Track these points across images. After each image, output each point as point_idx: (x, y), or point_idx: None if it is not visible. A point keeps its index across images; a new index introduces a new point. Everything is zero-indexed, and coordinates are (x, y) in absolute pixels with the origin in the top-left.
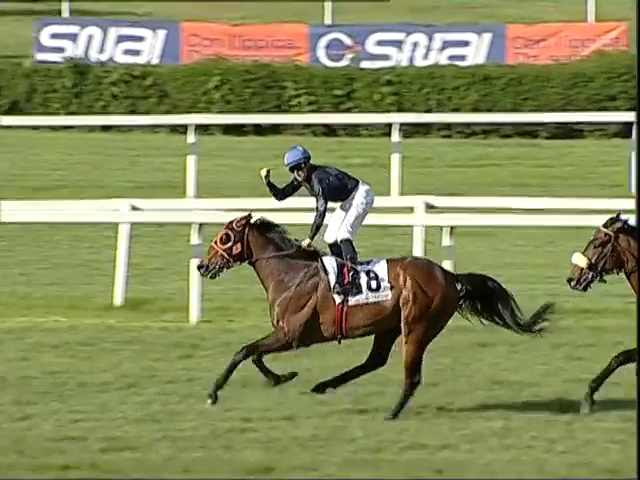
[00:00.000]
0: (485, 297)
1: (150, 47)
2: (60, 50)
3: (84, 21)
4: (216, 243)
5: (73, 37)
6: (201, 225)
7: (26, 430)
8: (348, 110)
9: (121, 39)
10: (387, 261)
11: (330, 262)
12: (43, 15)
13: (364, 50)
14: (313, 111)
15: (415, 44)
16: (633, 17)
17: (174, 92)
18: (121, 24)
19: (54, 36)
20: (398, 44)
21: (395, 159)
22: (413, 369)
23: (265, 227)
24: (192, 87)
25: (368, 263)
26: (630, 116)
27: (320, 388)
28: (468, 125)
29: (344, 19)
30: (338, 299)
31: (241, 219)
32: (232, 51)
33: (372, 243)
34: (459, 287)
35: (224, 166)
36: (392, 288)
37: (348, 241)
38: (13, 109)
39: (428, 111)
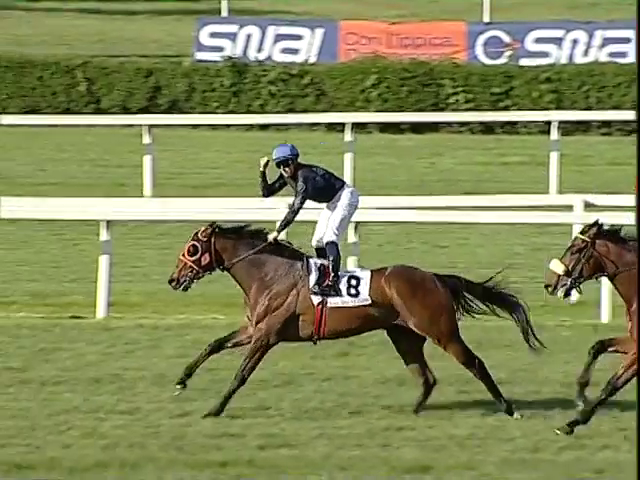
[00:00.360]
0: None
1: (308, 46)
2: (219, 49)
3: (243, 20)
4: (184, 255)
5: (232, 36)
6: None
7: (185, 427)
8: (506, 108)
9: (279, 38)
10: (371, 271)
11: (314, 263)
12: (203, 14)
13: (523, 48)
14: (470, 109)
15: (575, 41)
16: None
17: (331, 90)
18: (279, 23)
19: (213, 35)
20: (557, 41)
21: (553, 157)
22: (467, 361)
23: (231, 231)
24: (349, 85)
25: (350, 270)
26: None
27: None
28: (628, 123)
29: (503, 17)
30: (316, 300)
31: (206, 229)
32: (390, 49)
33: (530, 241)
34: (444, 288)
35: (381, 164)
36: (374, 297)
37: (333, 244)
38: (172, 108)
39: (588, 109)
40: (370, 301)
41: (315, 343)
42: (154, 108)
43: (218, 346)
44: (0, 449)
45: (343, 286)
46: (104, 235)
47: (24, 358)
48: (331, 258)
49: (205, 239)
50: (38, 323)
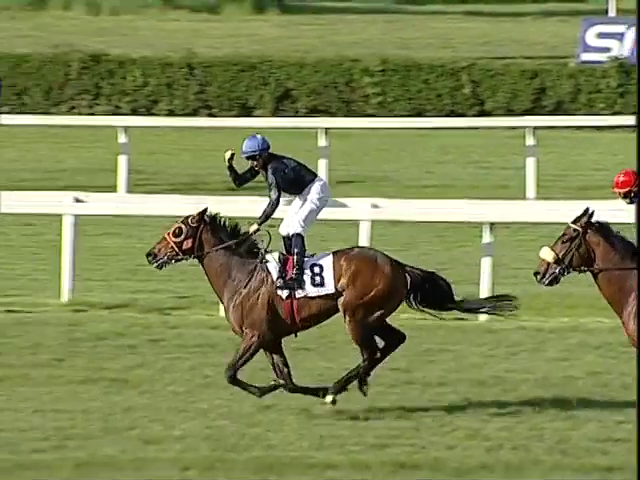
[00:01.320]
0: (429, 290)
1: None
2: (605, 50)
3: (631, 20)
4: (169, 234)
5: (619, 36)
6: None
7: (569, 430)
8: None
9: None
10: (333, 254)
11: (273, 258)
12: (589, 15)
13: None
14: None
15: None
16: None
17: None
18: None
19: (600, 36)
20: None
21: None
22: (363, 346)
23: (219, 225)
24: None
25: (312, 257)
26: None
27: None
28: None
29: None
30: (284, 294)
31: (197, 215)
32: None
33: None
34: (406, 278)
35: None
36: (337, 283)
37: (299, 236)
38: (557, 109)
39: None
40: (334, 290)
41: (296, 336)
42: (539, 110)
43: None
44: (386, 449)
45: (307, 277)
46: (487, 237)
47: (409, 359)
48: (296, 251)
49: (194, 225)
50: (423, 324)
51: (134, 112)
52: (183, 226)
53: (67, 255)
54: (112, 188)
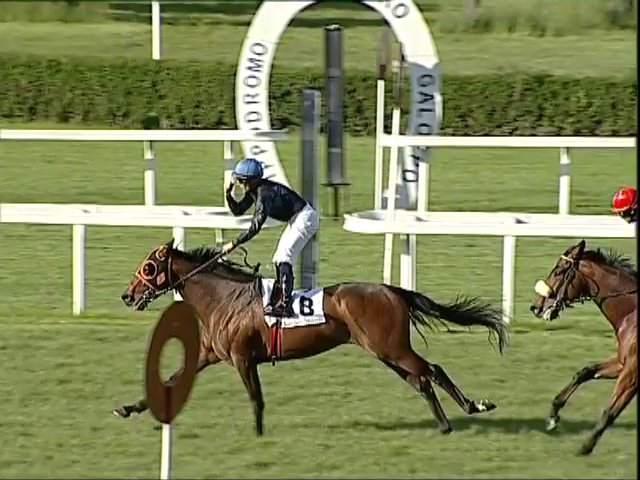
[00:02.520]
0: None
1: None
2: None
3: None
4: (140, 273)
5: None
6: None
7: None
8: None
9: None
10: (324, 289)
11: (267, 284)
12: None
13: None
14: None
15: None
16: None
17: None
18: None
19: None
20: None
21: None
22: (423, 371)
23: (186, 253)
24: None
25: (305, 291)
26: None
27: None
28: None
29: None
30: (271, 321)
31: (163, 248)
32: None
33: None
34: (396, 301)
35: None
36: (327, 315)
37: (286, 264)
38: None
39: None
40: (324, 320)
41: (273, 364)
42: None
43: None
44: None
45: (296, 306)
46: None
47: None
48: (284, 279)
49: (162, 259)
50: None
51: (577, 133)
52: (152, 262)
53: (507, 275)
54: (554, 209)
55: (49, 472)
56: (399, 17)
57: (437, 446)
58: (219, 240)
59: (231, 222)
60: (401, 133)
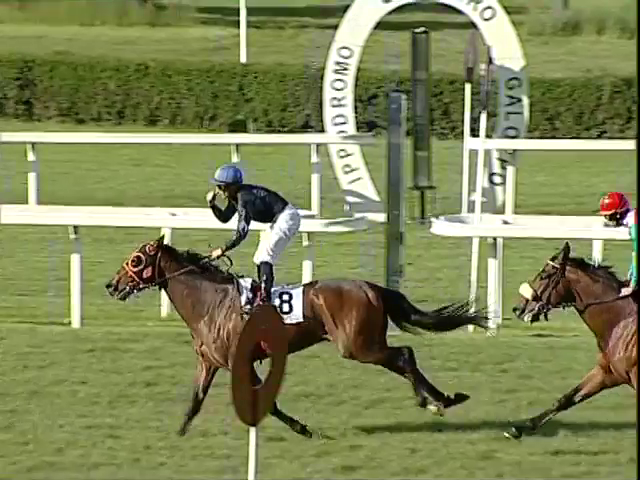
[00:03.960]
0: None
1: None
2: None
3: None
4: (127, 264)
5: None
6: None
7: None
8: None
9: None
10: (303, 286)
11: (245, 284)
12: None
13: None
14: None
15: None
16: None
17: None
18: None
19: None
20: None
21: None
22: (393, 360)
23: (177, 251)
24: None
25: (284, 287)
26: None
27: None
28: None
29: None
30: None
31: (154, 243)
32: None
33: None
34: (379, 296)
35: None
36: (306, 312)
37: (267, 264)
38: None
39: None
40: (303, 318)
41: (260, 363)
42: None
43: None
44: None
45: (276, 304)
46: None
47: None
48: (264, 278)
49: (152, 253)
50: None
51: None
52: (141, 255)
53: None
54: None
55: (137, 474)
56: (487, 20)
57: (524, 450)
58: (305, 243)
59: (317, 226)
60: (488, 136)
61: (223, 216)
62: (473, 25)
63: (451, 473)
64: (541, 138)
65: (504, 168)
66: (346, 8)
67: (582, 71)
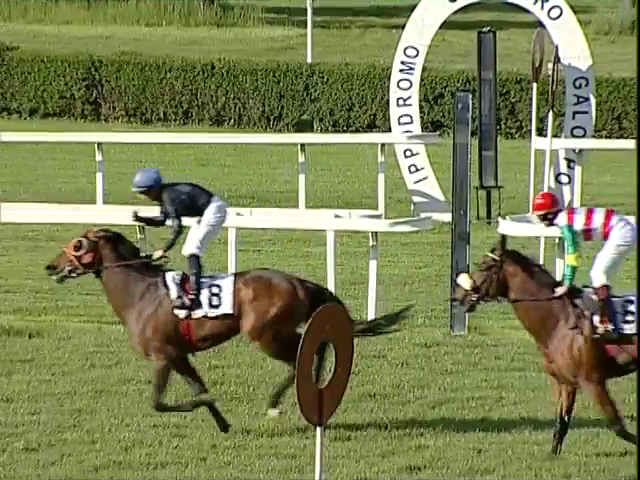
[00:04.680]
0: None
1: None
2: None
3: None
4: (68, 248)
5: None
6: None
7: None
8: None
9: None
10: (234, 275)
11: (172, 277)
12: None
13: None
14: None
15: None
16: None
17: None
18: None
19: None
20: None
21: None
22: (284, 359)
23: (119, 241)
24: None
25: (214, 278)
26: None
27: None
28: None
29: None
30: (181, 314)
31: (98, 231)
32: None
33: None
34: (304, 298)
35: None
36: (235, 302)
37: (194, 256)
38: None
39: None
40: (231, 309)
41: (193, 355)
42: None
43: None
44: None
45: (205, 298)
46: None
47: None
48: (193, 271)
49: (94, 239)
50: None
51: None
52: (84, 240)
53: None
54: None
55: (203, 473)
56: (553, 19)
57: (592, 451)
58: (371, 243)
59: (383, 225)
60: (555, 135)
61: (156, 221)
62: (540, 24)
63: (517, 473)
64: (608, 138)
65: (571, 168)
66: (412, 7)
67: None
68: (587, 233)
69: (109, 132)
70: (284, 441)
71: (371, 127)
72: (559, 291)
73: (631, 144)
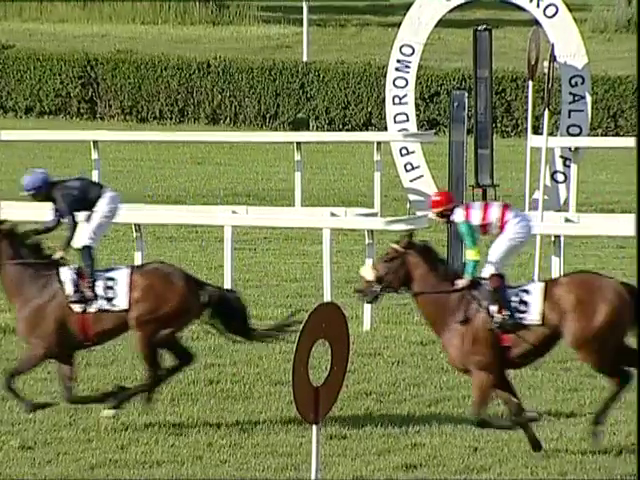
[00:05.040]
0: (223, 309)
1: None
2: None
3: None
4: None
5: None
6: None
7: None
8: None
9: None
10: (131, 268)
11: (67, 272)
12: None
13: None
14: None
15: None
16: None
17: None
18: None
19: None
20: None
21: None
22: (147, 361)
23: (19, 237)
24: None
25: (109, 270)
26: None
27: None
28: None
29: None
30: (77, 308)
31: (2, 228)
32: None
33: None
34: (202, 296)
35: None
36: (131, 295)
37: (87, 248)
38: None
39: None
40: (127, 303)
41: (88, 348)
42: None
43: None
44: None
45: (100, 289)
46: None
47: None
48: (86, 262)
49: None
50: None
51: None
52: None
53: None
54: None
55: (199, 471)
56: (549, 17)
57: (587, 449)
58: (367, 241)
59: (379, 224)
60: (550, 134)
61: (52, 224)
62: (536, 22)
63: (513, 471)
64: (604, 136)
65: (567, 166)
66: (408, 6)
67: None
68: (484, 227)
69: (105, 130)
70: (280, 439)
71: (367, 125)
72: (460, 283)
73: (627, 142)
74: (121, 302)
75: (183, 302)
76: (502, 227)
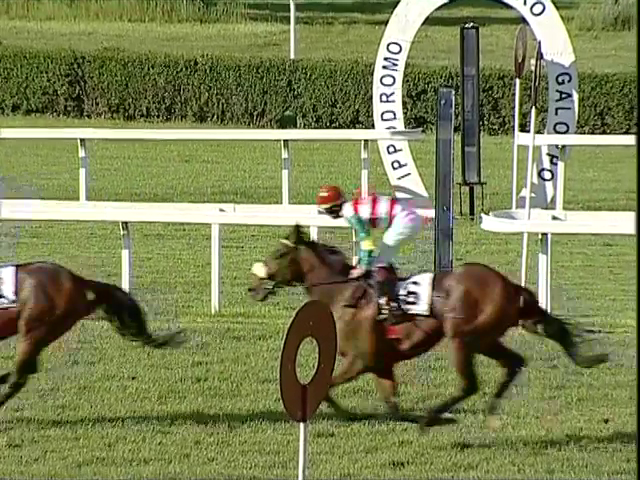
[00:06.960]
0: (114, 308)
1: None
2: None
3: None
4: None
5: None
6: None
7: None
8: None
9: None
10: (16, 267)
11: None
12: None
13: None
14: None
15: None
16: None
17: None
18: None
19: None
20: None
21: None
22: (20, 366)
23: None
24: None
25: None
26: None
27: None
28: None
29: None
30: None
31: None
32: None
33: None
34: (89, 295)
35: None
36: (17, 293)
37: None
38: None
39: None
40: (15, 302)
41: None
42: None
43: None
44: None
45: None
46: None
47: None
48: None
49: None
50: None
51: None
52: None
53: None
54: None
55: (186, 469)
56: (536, 15)
57: (574, 446)
58: (354, 239)
59: None
60: (538, 131)
61: None
62: (523, 20)
63: (500, 469)
64: (591, 133)
65: (554, 164)
66: (395, 4)
67: (633, 66)
68: (373, 221)
69: (92, 128)
70: (268, 437)
71: (354, 123)
72: (354, 273)
73: (614, 140)
74: (9, 302)
75: (69, 301)
76: (390, 221)
